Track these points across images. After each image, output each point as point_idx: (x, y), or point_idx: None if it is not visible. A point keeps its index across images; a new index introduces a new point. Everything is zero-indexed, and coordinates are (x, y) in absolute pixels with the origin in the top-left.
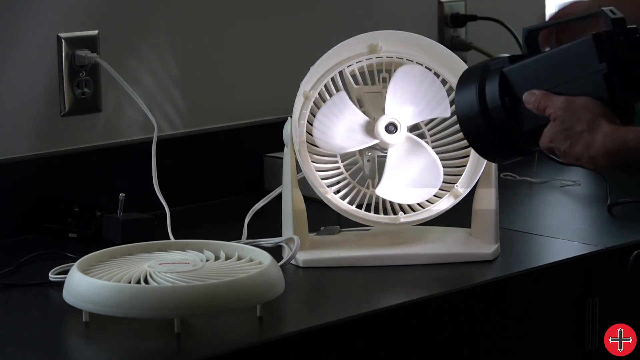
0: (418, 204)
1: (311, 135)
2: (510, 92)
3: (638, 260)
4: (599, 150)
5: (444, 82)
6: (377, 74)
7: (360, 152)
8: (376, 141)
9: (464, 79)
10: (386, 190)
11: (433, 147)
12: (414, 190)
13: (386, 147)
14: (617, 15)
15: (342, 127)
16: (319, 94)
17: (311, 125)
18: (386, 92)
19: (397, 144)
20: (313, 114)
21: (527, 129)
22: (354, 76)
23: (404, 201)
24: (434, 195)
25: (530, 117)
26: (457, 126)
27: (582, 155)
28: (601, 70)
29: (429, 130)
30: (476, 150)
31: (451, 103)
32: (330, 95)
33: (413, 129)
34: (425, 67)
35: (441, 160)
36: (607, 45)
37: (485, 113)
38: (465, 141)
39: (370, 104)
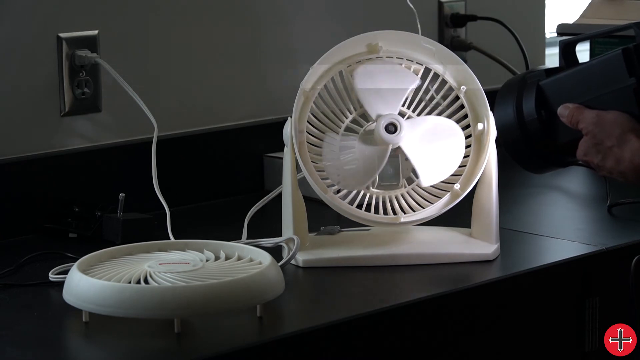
0: (418, 204)
1: (311, 135)
2: (546, 105)
3: (639, 265)
4: (628, 166)
5: (443, 82)
6: None
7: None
8: (389, 146)
9: (503, 92)
10: (429, 177)
11: None
12: (448, 159)
13: (382, 145)
14: None
15: (349, 157)
16: (319, 94)
17: (311, 125)
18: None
19: (405, 139)
20: (313, 114)
21: (562, 141)
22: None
23: (449, 172)
24: (434, 195)
25: (566, 130)
26: None
27: (614, 170)
28: (630, 84)
29: None
30: (516, 161)
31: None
32: (331, 95)
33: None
34: (425, 67)
35: None
36: (636, 60)
37: (523, 125)
38: (465, 141)
39: None
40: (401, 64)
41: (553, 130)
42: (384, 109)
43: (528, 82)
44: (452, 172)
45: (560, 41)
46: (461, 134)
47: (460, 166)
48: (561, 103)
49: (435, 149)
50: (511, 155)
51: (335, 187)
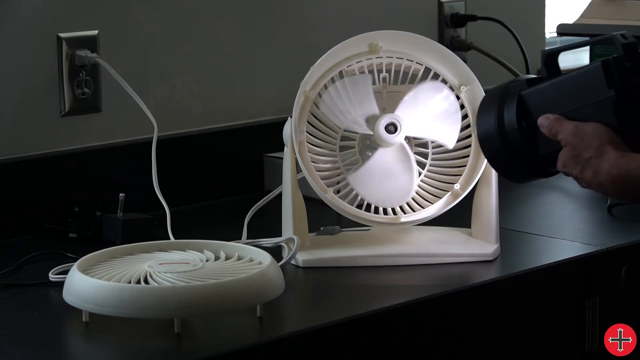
0: (418, 204)
1: (311, 135)
2: (527, 116)
3: (628, 273)
4: (605, 178)
5: (443, 81)
6: (377, 74)
7: (361, 151)
8: (371, 133)
9: (485, 101)
10: (358, 181)
11: (433, 147)
12: (379, 194)
13: (382, 145)
14: (628, 40)
15: (351, 107)
16: (319, 93)
17: (311, 125)
18: (403, 94)
19: (391, 147)
20: (313, 114)
21: (543, 152)
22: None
23: (367, 198)
24: (434, 195)
25: (546, 141)
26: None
27: (592, 181)
28: (610, 96)
29: None
30: (497, 171)
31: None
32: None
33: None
34: (439, 78)
35: (441, 160)
36: (615, 72)
37: (504, 135)
38: (465, 141)
39: None
40: (401, 64)
41: (534, 141)
42: (370, 108)
43: (510, 92)
44: (368, 202)
45: (542, 51)
46: (442, 85)
47: (460, 166)
48: (542, 114)
49: (433, 113)
50: (492, 165)
51: (336, 187)
